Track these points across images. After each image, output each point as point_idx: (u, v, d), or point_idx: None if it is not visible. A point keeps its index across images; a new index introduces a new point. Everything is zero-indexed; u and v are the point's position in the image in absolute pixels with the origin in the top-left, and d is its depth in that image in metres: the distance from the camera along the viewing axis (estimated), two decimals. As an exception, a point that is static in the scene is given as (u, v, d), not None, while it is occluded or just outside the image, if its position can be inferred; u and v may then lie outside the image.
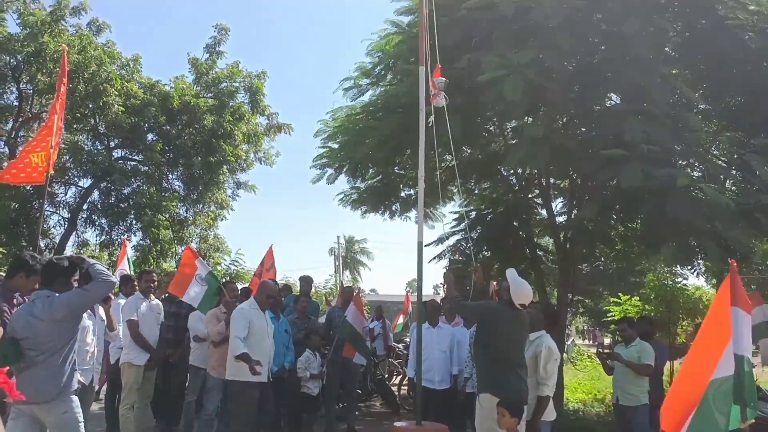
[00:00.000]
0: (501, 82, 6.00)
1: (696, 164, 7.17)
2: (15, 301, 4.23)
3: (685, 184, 5.75)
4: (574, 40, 6.40)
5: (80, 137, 16.18)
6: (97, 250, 17.35)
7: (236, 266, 18.11)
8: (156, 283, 6.81)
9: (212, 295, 6.68)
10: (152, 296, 6.58)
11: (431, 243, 10.05)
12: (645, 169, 5.78)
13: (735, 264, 3.62)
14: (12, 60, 14.77)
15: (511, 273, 4.84)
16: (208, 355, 6.41)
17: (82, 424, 3.92)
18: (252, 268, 18.46)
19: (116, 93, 14.34)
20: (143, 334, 6.27)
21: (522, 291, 4.70)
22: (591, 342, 31.91)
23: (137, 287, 7.36)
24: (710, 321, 3.50)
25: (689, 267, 8.93)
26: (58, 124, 6.19)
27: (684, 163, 7.17)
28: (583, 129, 7.75)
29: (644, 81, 6.30)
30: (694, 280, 12.57)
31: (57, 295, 3.86)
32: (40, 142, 6.12)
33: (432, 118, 5.45)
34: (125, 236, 15.03)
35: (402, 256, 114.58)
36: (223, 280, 8.96)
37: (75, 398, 3.91)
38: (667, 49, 7.52)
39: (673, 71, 7.16)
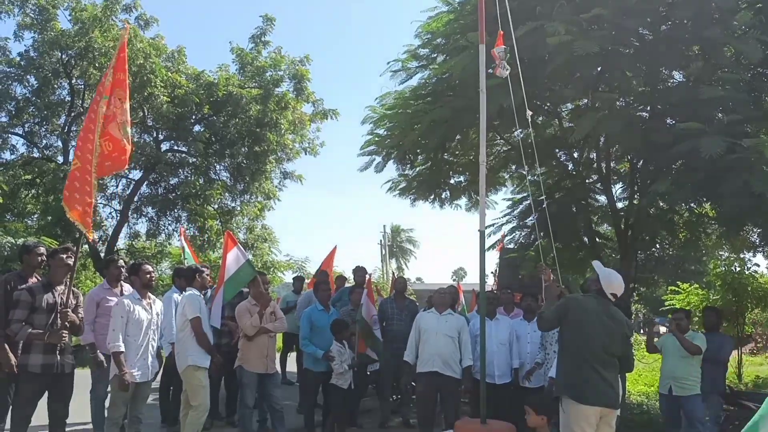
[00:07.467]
0: (570, 45, 5.68)
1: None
2: None
3: None
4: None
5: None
6: (148, 242, 17.65)
7: (273, 255, 18.17)
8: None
9: (236, 285, 6.36)
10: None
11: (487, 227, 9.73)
12: (726, 140, 5.39)
13: None
14: (64, 56, 15.04)
15: (597, 264, 4.64)
16: (241, 349, 6.12)
17: None
18: (296, 259, 18.57)
19: (162, 84, 14.41)
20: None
21: (612, 280, 4.42)
22: (645, 331, 30.83)
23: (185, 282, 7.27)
24: None
25: None
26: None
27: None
28: (651, 106, 7.29)
29: (726, 39, 5.90)
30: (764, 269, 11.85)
31: None
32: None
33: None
34: (181, 225, 15.18)
35: (447, 245, 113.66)
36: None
37: None
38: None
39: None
